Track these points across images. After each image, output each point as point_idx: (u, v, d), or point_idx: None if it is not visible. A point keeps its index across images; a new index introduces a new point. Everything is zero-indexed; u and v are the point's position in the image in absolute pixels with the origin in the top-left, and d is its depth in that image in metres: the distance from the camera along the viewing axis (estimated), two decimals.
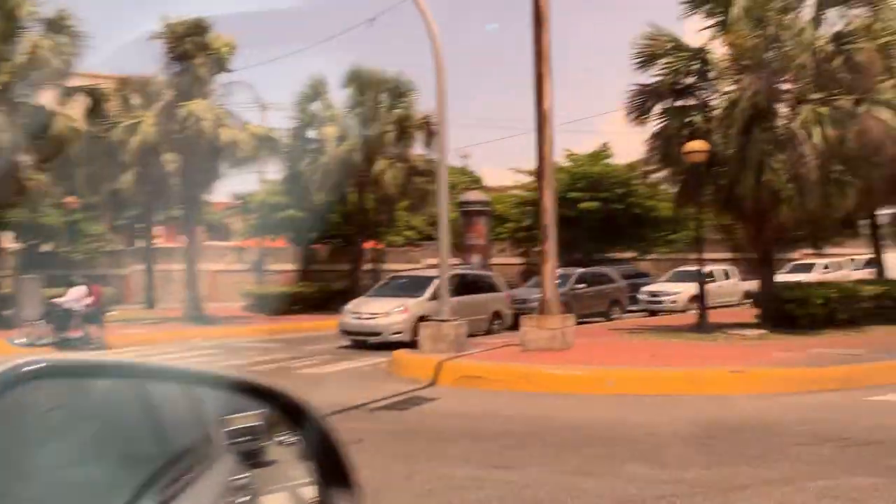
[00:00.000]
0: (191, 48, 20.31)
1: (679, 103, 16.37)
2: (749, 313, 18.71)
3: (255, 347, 16.69)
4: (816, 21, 15.11)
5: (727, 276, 26.41)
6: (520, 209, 37.30)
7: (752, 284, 26.72)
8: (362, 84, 24.77)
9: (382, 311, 15.95)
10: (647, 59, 16.32)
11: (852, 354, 11.49)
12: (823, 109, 14.09)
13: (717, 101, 15.07)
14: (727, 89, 14.48)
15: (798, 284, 17.05)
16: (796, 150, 14.33)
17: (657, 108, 16.28)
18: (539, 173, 12.15)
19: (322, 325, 21.89)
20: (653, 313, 24.36)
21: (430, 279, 17.32)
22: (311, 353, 15.39)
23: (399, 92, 24.96)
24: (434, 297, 16.72)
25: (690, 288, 24.58)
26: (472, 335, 16.89)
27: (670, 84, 15.37)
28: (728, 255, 42.98)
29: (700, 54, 15.01)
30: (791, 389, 9.49)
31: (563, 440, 6.97)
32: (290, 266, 39.95)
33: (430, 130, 25.27)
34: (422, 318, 16.19)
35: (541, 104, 11.78)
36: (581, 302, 20.95)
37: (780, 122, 14.71)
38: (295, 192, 25.65)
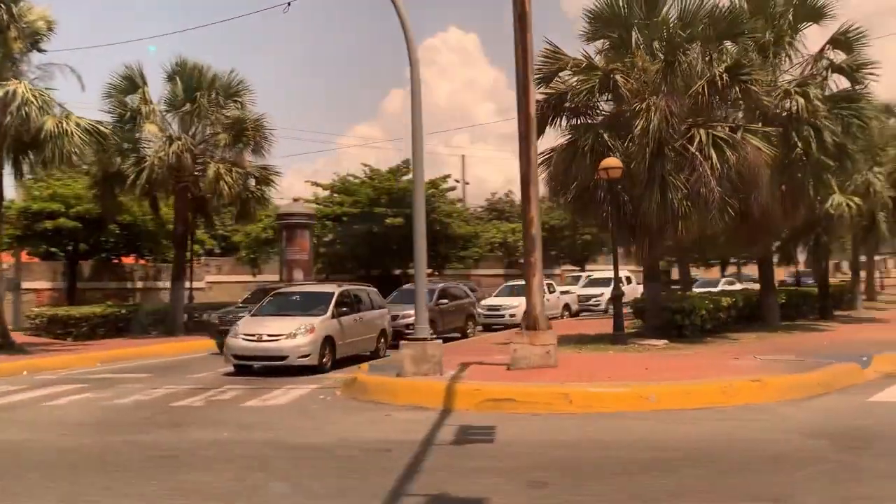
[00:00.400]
0: (5, 17, 16.63)
1: (576, 121, 16.81)
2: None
3: (125, 379, 13.99)
4: (704, 53, 16.34)
5: (551, 290, 27.52)
6: (319, 224, 35.97)
7: (569, 298, 28.35)
8: (188, 79, 22.15)
9: (286, 333, 14.20)
10: (547, 75, 16.58)
11: (791, 360, 12.38)
12: (723, 134, 15.20)
13: (628, 121, 15.55)
14: (638, 108, 14.98)
15: (683, 296, 18.18)
16: (695, 170, 15.31)
17: (562, 124, 16.58)
18: (524, 181, 11.58)
19: (160, 350, 19.17)
20: (486, 327, 24.61)
21: (325, 295, 15.88)
22: (206, 383, 13.25)
23: (232, 91, 22.70)
24: (335, 315, 15.40)
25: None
26: (358, 357, 15.76)
27: (582, 101, 15.64)
28: (501, 271, 45.22)
29: (612, 74, 15.42)
30: (797, 395, 9.93)
31: (743, 463, 6.53)
32: (47, 284, 34.78)
33: (263, 135, 23.34)
34: (326, 339, 14.80)
35: (527, 108, 11.27)
36: (445, 317, 20.53)
37: (678, 144, 15.56)
38: (107, 197, 22.17)
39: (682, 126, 15.76)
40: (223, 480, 6.28)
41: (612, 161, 14.98)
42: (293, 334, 14.22)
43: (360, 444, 7.75)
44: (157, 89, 22.77)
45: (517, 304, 25.05)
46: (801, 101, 17.54)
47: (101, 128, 18.46)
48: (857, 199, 21.68)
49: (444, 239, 37.89)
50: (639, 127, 14.81)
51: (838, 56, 19.27)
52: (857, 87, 18.75)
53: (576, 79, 15.80)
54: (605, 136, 15.71)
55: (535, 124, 11.44)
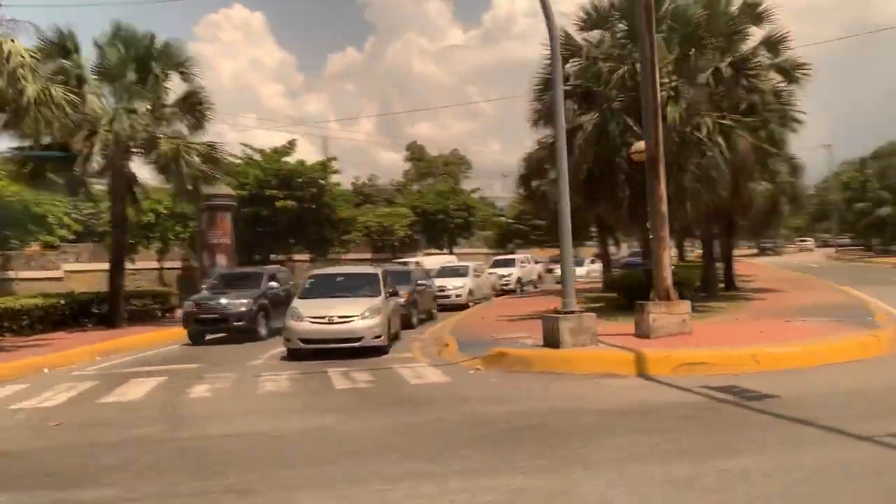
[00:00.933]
0: None
1: (585, 107, 17.69)
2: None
3: (180, 370, 12.90)
4: (707, 47, 17.85)
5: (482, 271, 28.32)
6: None
7: (493, 279, 29.35)
8: (136, 47, 20.14)
9: (358, 314, 13.76)
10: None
11: (831, 320, 14.07)
12: (729, 122, 16.80)
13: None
14: (668, 95, 16.10)
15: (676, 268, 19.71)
16: (705, 155, 16.81)
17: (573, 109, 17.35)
18: (652, 159, 12.21)
19: (132, 342, 17.36)
20: None
21: (371, 276, 15.59)
22: (292, 368, 12.59)
23: (179, 61, 20.88)
24: (388, 295, 15.18)
25: (468, 283, 26.07)
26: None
27: (609, 87, 16.53)
28: (369, 255, 45.12)
29: (635, 64, 16.43)
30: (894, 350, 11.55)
31: None
32: None
33: (207, 109, 21.75)
34: (388, 320, 14.54)
35: (654, 88, 11.95)
36: (422, 299, 20.63)
37: (688, 130, 16.95)
38: (38, 174, 19.61)
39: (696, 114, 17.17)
40: (631, 447, 6.40)
41: (641, 145, 15.98)
42: (364, 315, 13.82)
43: (665, 407, 8.09)
44: (89, 58, 20.48)
45: (461, 285, 25.67)
46: (757, 97, 19.68)
47: (72, 97, 16.46)
48: (766, 184, 24.60)
49: (329, 223, 37.30)
50: (670, 113, 15.93)
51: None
52: (791, 84, 21.30)
53: (606, 66, 16.62)
54: (630, 121, 16.74)
55: (660, 104, 12.15)
